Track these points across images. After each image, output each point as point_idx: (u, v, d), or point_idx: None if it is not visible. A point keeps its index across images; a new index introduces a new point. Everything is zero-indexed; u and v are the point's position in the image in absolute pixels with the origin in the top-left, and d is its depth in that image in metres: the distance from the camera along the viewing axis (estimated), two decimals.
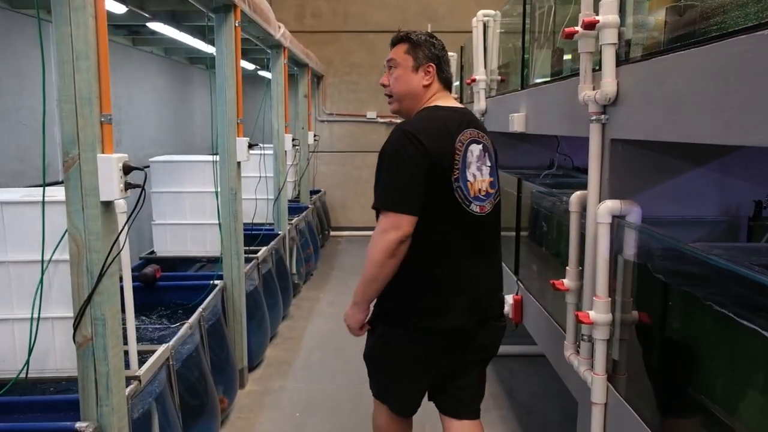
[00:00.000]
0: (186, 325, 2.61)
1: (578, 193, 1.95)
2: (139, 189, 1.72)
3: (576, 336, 2.01)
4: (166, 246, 3.90)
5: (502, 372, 3.80)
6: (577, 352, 1.95)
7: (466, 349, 1.97)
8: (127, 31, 4.38)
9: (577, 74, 2.03)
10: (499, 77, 3.76)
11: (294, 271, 5.20)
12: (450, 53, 6.11)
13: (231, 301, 3.37)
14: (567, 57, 2.34)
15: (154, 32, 4.25)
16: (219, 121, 3.27)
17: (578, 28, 1.74)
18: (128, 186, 1.70)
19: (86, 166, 1.62)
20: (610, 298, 1.73)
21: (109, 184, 1.64)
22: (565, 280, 2.01)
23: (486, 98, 3.77)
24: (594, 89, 1.83)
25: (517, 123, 2.71)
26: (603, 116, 1.76)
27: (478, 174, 1.92)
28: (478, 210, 1.91)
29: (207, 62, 3.30)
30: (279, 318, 4.47)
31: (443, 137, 1.88)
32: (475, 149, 1.94)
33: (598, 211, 1.71)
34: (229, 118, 3.27)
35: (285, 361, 3.98)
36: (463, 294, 1.91)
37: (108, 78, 1.63)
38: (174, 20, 3.74)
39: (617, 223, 1.73)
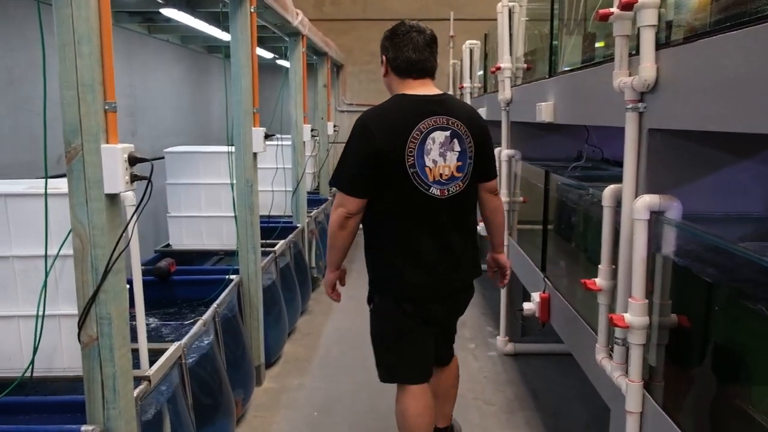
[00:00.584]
0: (200, 322, 2.54)
1: (612, 186, 1.81)
2: (146, 181, 1.62)
3: (609, 339, 1.89)
4: (182, 239, 3.83)
5: (527, 371, 3.68)
6: (610, 356, 1.83)
7: (433, 318, 2.24)
8: (142, 18, 4.31)
9: (611, 60, 1.90)
10: (525, 65, 3.61)
11: (313, 264, 5.12)
12: (472, 41, 6.03)
13: (247, 296, 3.29)
14: (599, 44, 2.20)
15: (169, 19, 4.18)
16: (234, 110, 3.18)
17: (614, 9, 1.61)
18: (134, 178, 1.61)
19: (90, 157, 1.54)
20: (647, 300, 1.60)
21: (114, 176, 1.55)
22: (597, 280, 1.88)
23: (511, 87, 3.62)
24: (630, 75, 1.70)
25: (545, 113, 2.57)
26: (640, 104, 1.63)
27: (440, 160, 2.09)
28: (438, 193, 2.09)
29: (224, 51, 3.20)
30: (297, 313, 4.39)
31: (397, 127, 2.06)
32: (439, 136, 2.08)
33: (634, 207, 1.58)
34: (244, 108, 3.18)
35: (303, 357, 3.90)
36: (420, 268, 2.14)
37: (111, 63, 1.54)
38: (189, 6, 3.66)
39: (655, 219, 1.60)
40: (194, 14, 3.83)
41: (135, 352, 2.00)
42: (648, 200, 1.56)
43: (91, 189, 1.55)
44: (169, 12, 3.61)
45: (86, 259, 1.57)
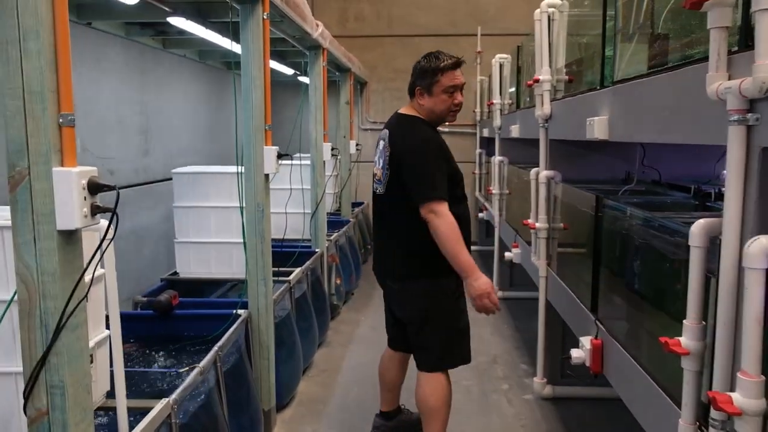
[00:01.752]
0: (196, 371, 2.19)
1: (704, 221, 1.43)
2: (111, 214, 1.29)
3: (695, 412, 1.49)
4: (190, 267, 3.52)
5: (568, 418, 3.26)
6: None
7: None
8: (155, 31, 4.06)
9: (697, 62, 1.52)
10: (567, 77, 3.24)
11: (332, 291, 4.76)
12: (502, 55, 5.68)
13: (256, 333, 2.94)
14: (676, 44, 1.82)
15: (183, 32, 3.91)
16: (244, 127, 2.86)
17: None
18: (96, 210, 1.27)
19: (38, 184, 1.21)
20: (763, 377, 1.20)
21: (69, 208, 1.22)
22: (682, 339, 1.48)
23: (551, 101, 3.25)
24: (730, 78, 1.32)
25: (597, 129, 2.19)
26: (750, 115, 1.25)
27: (377, 163, 2.67)
28: (378, 190, 2.68)
29: (234, 65, 2.91)
30: (314, 346, 4.03)
31: None
32: (380, 145, 2.67)
33: (747, 252, 1.19)
34: (255, 124, 2.86)
35: (319, 398, 3.53)
36: (374, 253, 2.87)
37: (69, 65, 1.22)
38: (199, 15, 3.38)
39: None
40: (206, 24, 3.55)
41: (114, 411, 1.67)
42: (767, 244, 1.17)
43: (40, 224, 1.22)
44: (177, 21, 3.33)
45: (34, 313, 1.24)
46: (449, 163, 2.53)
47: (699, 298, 1.45)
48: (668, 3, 1.75)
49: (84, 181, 1.24)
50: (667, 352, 1.49)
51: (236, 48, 2.86)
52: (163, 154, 4.84)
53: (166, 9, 3.10)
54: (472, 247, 3.03)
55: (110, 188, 1.29)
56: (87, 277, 1.39)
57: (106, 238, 1.31)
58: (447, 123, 2.63)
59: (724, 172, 3.25)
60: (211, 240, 3.48)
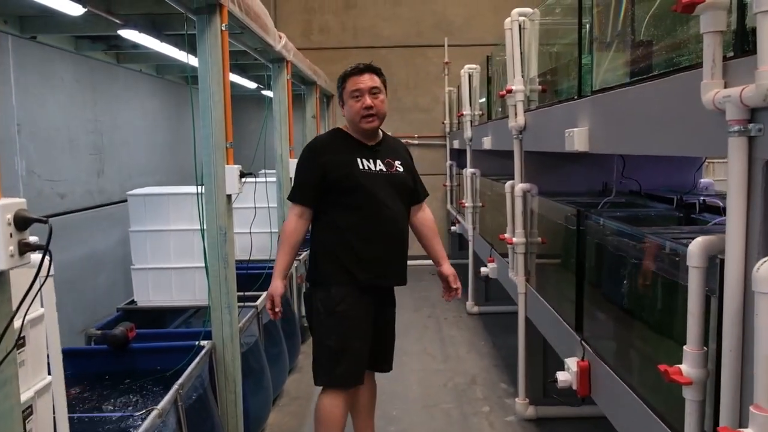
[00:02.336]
0: (153, 414, 1.99)
1: (702, 240, 1.32)
2: (43, 252, 1.11)
3: None
4: (148, 295, 3.31)
5: None
6: None
7: None
8: (106, 45, 3.85)
9: (681, 69, 1.43)
10: (540, 87, 3.16)
11: (303, 313, 4.57)
12: (471, 66, 5.60)
13: (221, 365, 2.75)
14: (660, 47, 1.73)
15: (137, 46, 3.72)
16: (204, 145, 2.69)
17: None
18: (26, 248, 1.10)
19: None
20: None
21: None
22: (683, 367, 1.37)
23: (525, 112, 3.16)
24: (727, 86, 1.22)
25: (578, 141, 2.09)
26: (752, 126, 1.14)
27: None
28: None
29: (190, 80, 2.74)
30: (285, 373, 3.84)
31: None
32: None
33: (757, 275, 1.08)
34: (216, 142, 2.69)
35: (291, 429, 3.34)
36: None
37: None
38: (153, 28, 3.20)
39: None
40: (160, 38, 3.36)
41: None
42: None
43: None
44: (129, 34, 3.14)
45: None
46: (323, 171, 2.49)
47: (700, 323, 1.34)
48: (650, 8, 1.66)
49: (9, 216, 1.07)
50: (667, 382, 1.38)
51: (193, 62, 2.69)
52: (119, 174, 4.61)
53: (117, 21, 2.90)
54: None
55: (41, 221, 1.11)
56: (17, 322, 1.21)
57: (39, 277, 1.13)
58: (364, 128, 2.50)
59: (702, 180, 3.20)
60: (170, 266, 3.27)
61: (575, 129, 2.13)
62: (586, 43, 2.23)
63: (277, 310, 2.55)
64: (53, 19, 3.22)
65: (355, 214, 2.48)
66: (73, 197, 3.87)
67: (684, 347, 1.38)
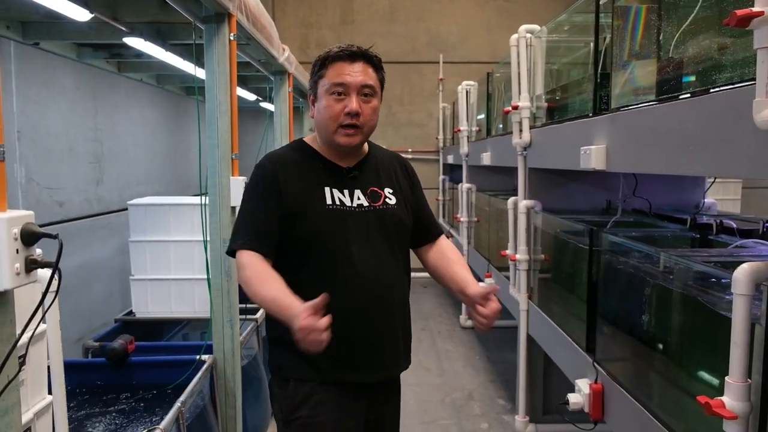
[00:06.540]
0: None
1: (749, 266, 1.27)
2: (53, 269, 1.06)
3: None
4: (147, 306, 3.24)
5: None
6: None
7: None
8: (109, 53, 3.81)
9: (723, 86, 1.41)
10: (546, 104, 3.15)
11: None
12: (468, 82, 5.62)
13: (222, 380, 2.69)
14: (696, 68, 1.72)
15: (140, 55, 3.68)
16: (209, 156, 2.65)
17: (760, 8, 1.12)
18: (33, 265, 1.05)
19: None
20: None
21: None
22: (726, 400, 1.32)
23: (530, 128, 3.15)
24: None
25: (595, 159, 2.07)
26: None
27: None
28: None
29: (198, 91, 2.71)
30: None
31: None
32: None
33: None
34: (221, 153, 2.65)
35: None
36: None
37: None
38: (159, 37, 3.17)
39: None
40: (165, 47, 3.33)
41: None
42: None
43: None
44: (134, 42, 3.11)
45: None
46: (280, 197, 1.62)
47: (745, 353, 1.30)
48: (682, 23, 1.65)
49: (16, 230, 1.02)
50: (709, 414, 1.34)
51: (200, 72, 2.66)
52: (118, 183, 4.55)
53: (123, 29, 2.87)
54: None
55: (51, 236, 1.07)
56: (22, 341, 1.16)
57: (47, 297, 1.08)
58: (339, 143, 1.63)
59: (704, 201, 3.18)
60: (170, 277, 3.22)
61: (592, 147, 2.12)
62: (609, 61, 2.22)
63: (322, 330, 1.36)
64: (57, 26, 3.19)
65: (317, 274, 1.60)
66: (71, 205, 3.81)
67: (726, 379, 1.33)
